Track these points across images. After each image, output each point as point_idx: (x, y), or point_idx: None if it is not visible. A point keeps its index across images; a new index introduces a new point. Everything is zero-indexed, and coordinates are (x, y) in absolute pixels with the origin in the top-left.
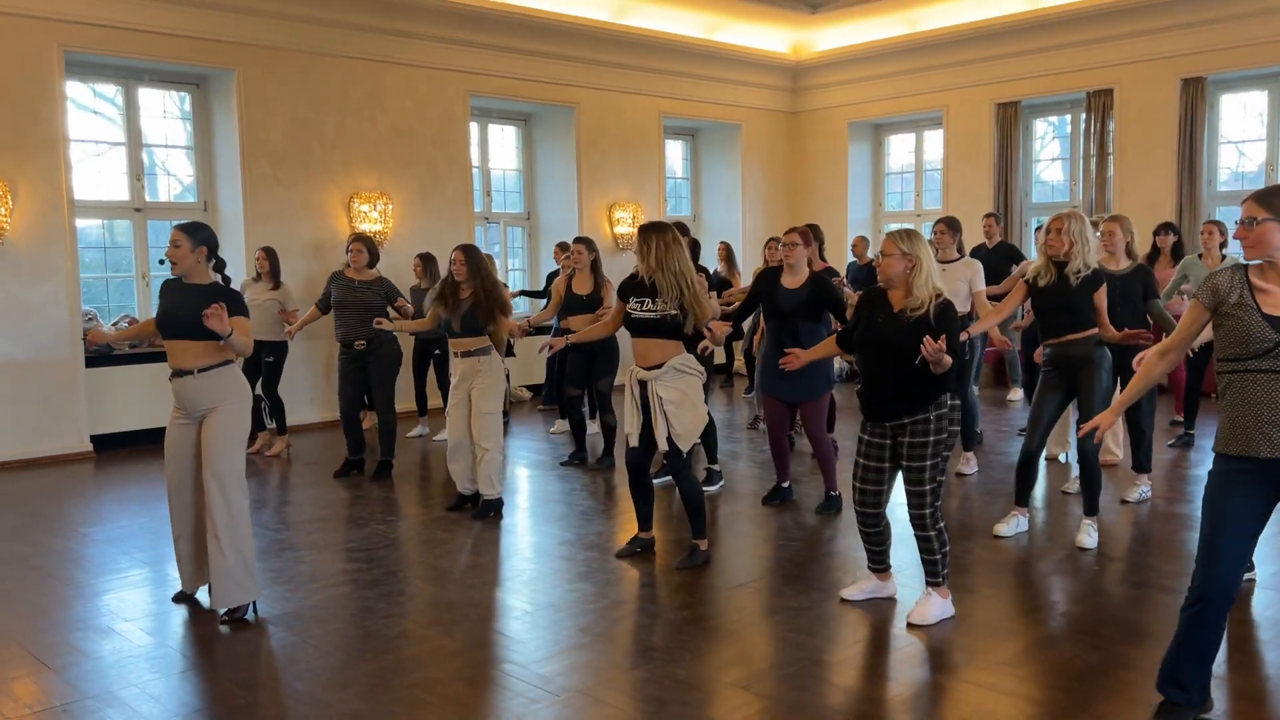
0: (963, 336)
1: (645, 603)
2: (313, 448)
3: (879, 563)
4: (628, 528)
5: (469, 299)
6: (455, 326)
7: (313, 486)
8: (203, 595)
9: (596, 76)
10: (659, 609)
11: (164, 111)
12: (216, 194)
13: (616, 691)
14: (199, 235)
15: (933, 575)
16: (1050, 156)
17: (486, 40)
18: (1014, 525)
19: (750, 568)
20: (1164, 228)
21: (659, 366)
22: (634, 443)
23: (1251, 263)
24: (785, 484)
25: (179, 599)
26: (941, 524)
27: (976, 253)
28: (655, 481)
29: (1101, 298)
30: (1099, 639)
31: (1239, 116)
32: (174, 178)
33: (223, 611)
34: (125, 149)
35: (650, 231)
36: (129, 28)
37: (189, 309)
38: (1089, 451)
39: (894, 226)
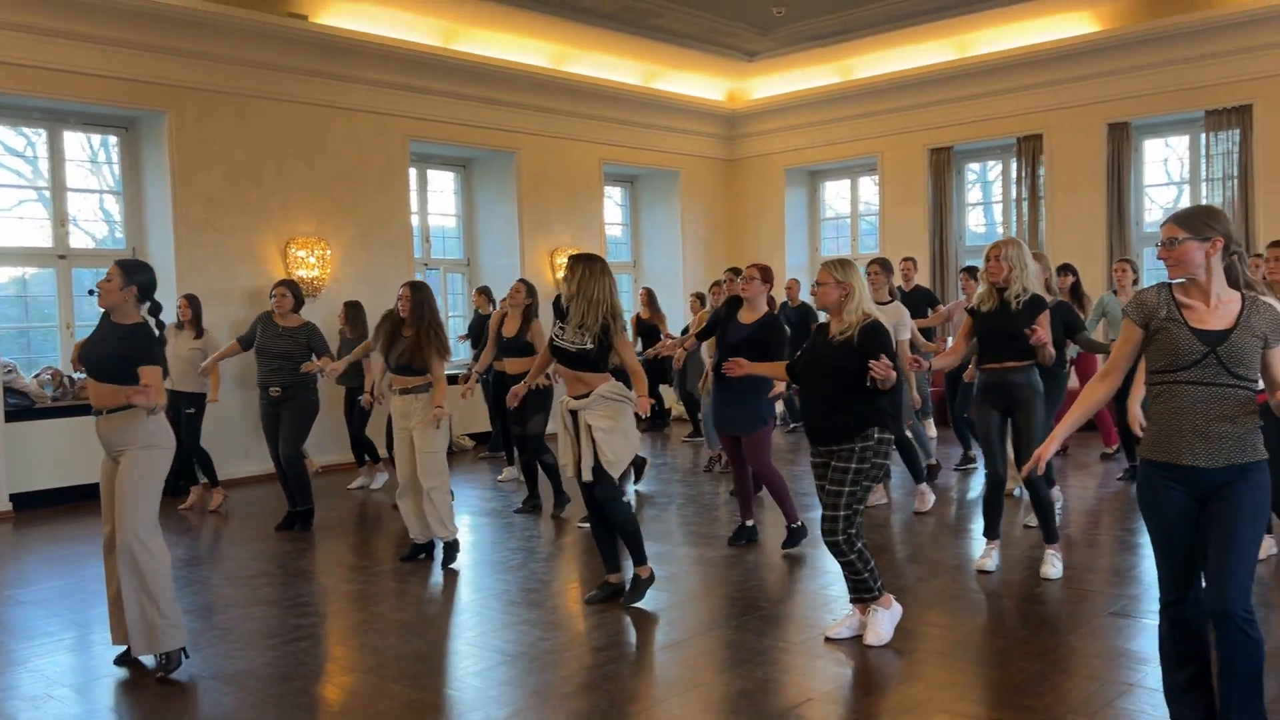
0: (916, 367)
1: (622, 648)
2: (251, 501)
3: (851, 590)
4: (587, 571)
5: (410, 338)
6: (391, 363)
7: (254, 541)
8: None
9: (537, 123)
10: (636, 655)
11: (90, 155)
12: (146, 239)
13: None
14: (134, 275)
15: (867, 593)
16: (983, 200)
17: (427, 85)
18: (995, 559)
19: (719, 610)
20: (1062, 268)
21: (584, 396)
22: (570, 473)
23: (1175, 281)
24: (749, 523)
25: (121, 660)
26: (859, 545)
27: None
28: (581, 525)
29: (1044, 322)
30: (1093, 669)
31: (1163, 159)
32: (100, 224)
33: (155, 668)
34: (49, 194)
35: (578, 260)
36: (55, 68)
37: (104, 349)
38: (1037, 482)
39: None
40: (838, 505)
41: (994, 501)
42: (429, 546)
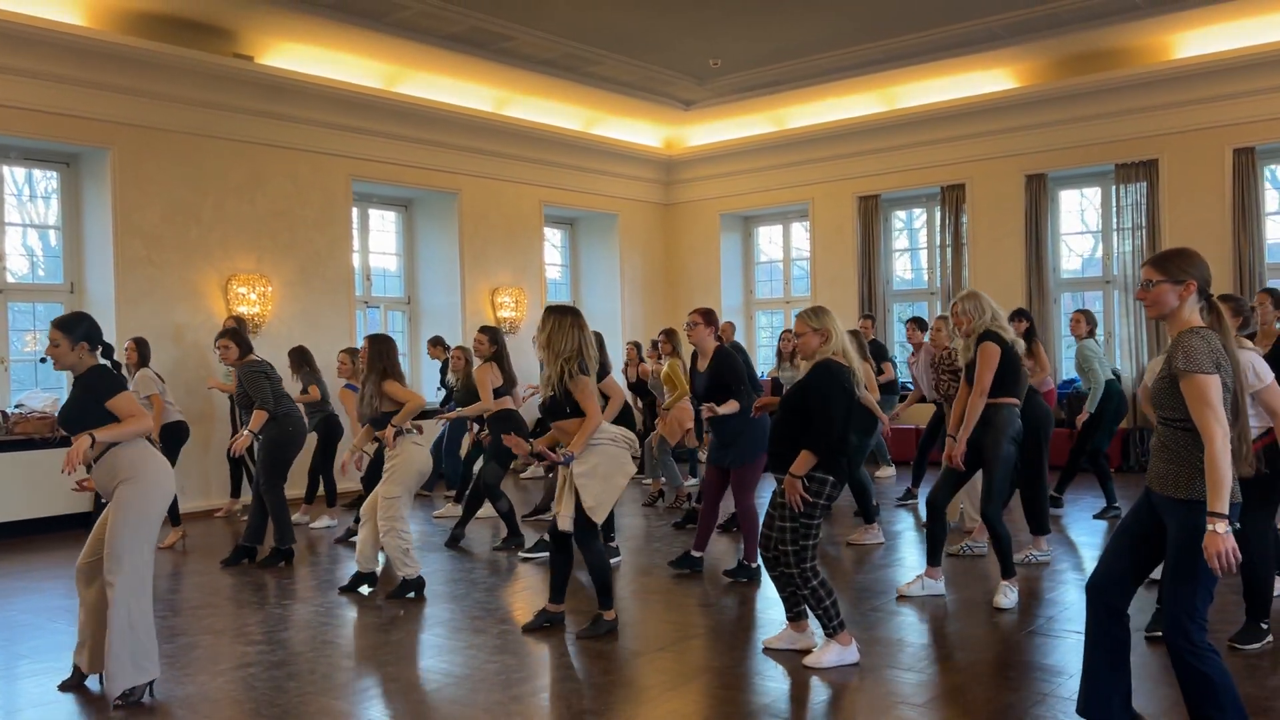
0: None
1: (568, 670)
2: (199, 535)
3: (789, 611)
4: (529, 600)
5: (369, 390)
6: (362, 412)
7: (201, 574)
8: (92, 681)
9: (478, 165)
10: (585, 675)
11: (31, 190)
12: (84, 275)
13: None
14: (77, 330)
15: (824, 626)
16: (910, 246)
17: (369, 126)
18: (925, 586)
19: (667, 632)
20: (1017, 314)
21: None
22: (559, 524)
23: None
24: (698, 554)
25: (67, 686)
26: (814, 581)
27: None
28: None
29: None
30: (1011, 682)
31: (1079, 209)
32: (37, 259)
33: (116, 696)
34: None
35: (549, 311)
36: None
37: (69, 404)
38: (993, 518)
39: (766, 313)
40: (785, 539)
41: (934, 529)
42: (371, 577)
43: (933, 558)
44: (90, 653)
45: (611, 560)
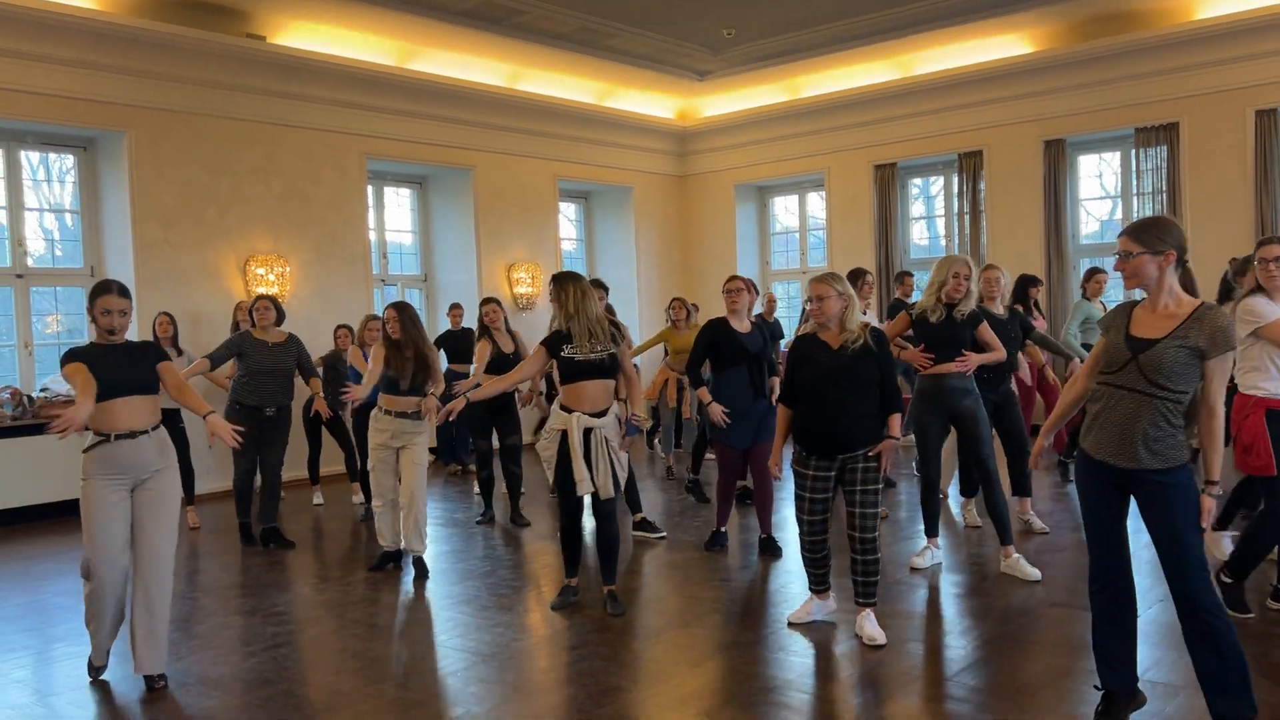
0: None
1: (594, 647)
2: (216, 516)
3: (823, 584)
4: (551, 576)
5: (413, 357)
6: (404, 386)
7: (223, 554)
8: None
9: (492, 140)
10: (610, 651)
11: (48, 174)
12: (104, 259)
13: None
14: (130, 297)
15: (873, 596)
16: (926, 214)
17: (382, 104)
18: (929, 557)
19: (687, 608)
20: (1034, 280)
21: (603, 413)
22: (586, 489)
23: (1140, 298)
24: (724, 529)
25: (96, 673)
26: (880, 549)
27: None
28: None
29: (985, 331)
30: (1035, 652)
31: (1097, 174)
32: (58, 242)
33: (155, 676)
34: (6, 213)
35: (565, 279)
36: (13, 89)
37: (135, 366)
38: (993, 489)
39: (783, 284)
40: (875, 502)
41: (930, 502)
42: (397, 555)
43: (930, 529)
44: (112, 641)
45: (659, 535)
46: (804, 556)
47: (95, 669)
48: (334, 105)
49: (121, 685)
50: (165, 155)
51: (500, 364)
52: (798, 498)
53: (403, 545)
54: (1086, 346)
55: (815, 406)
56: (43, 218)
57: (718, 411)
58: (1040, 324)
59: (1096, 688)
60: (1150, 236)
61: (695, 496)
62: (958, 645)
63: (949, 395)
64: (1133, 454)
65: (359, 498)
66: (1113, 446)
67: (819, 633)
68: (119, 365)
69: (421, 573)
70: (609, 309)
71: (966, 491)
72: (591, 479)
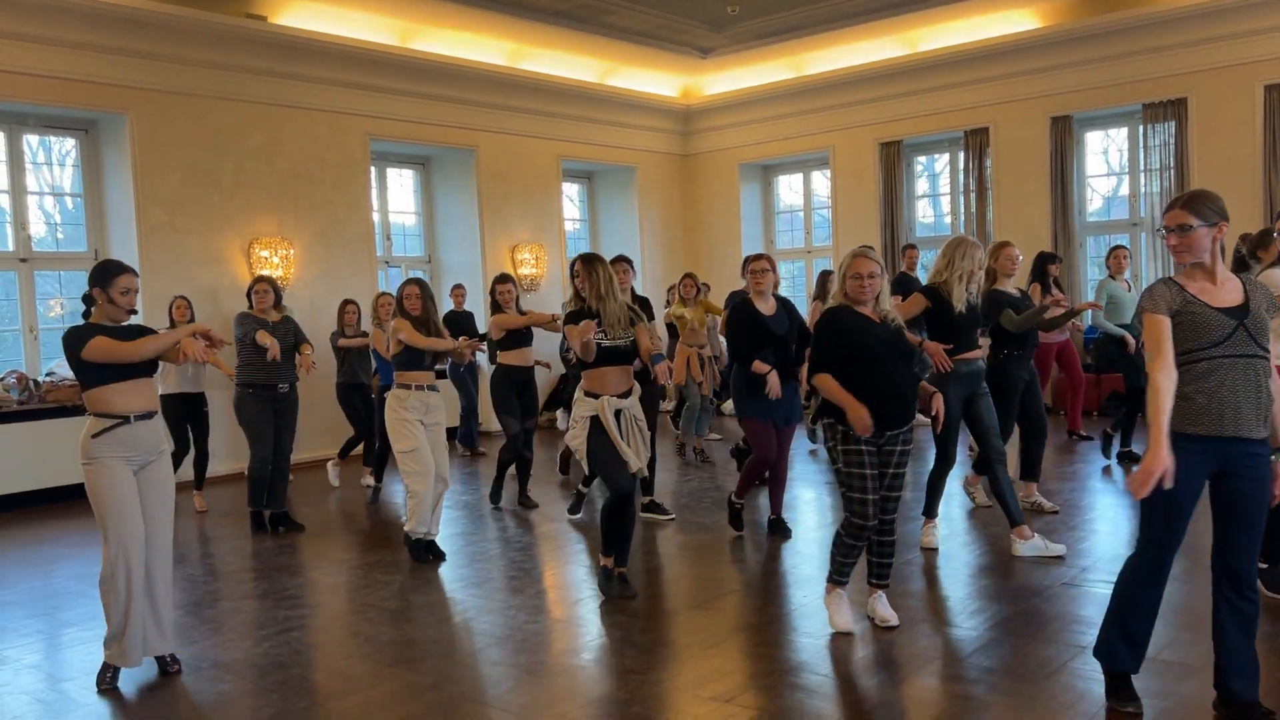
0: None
1: (609, 630)
2: (223, 499)
3: (883, 577)
4: (561, 558)
5: (434, 334)
6: (428, 359)
7: (233, 538)
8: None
9: (495, 120)
10: (626, 635)
11: (50, 158)
12: (108, 242)
13: (601, 714)
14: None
15: (887, 578)
16: (931, 192)
17: (384, 84)
18: (935, 529)
19: (702, 590)
20: (1053, 257)
21: (628, 394)
22: (636, 467)
23: (1176, 273)
24: (741, 503)
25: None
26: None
27: (903, 281)
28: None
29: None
30: (1048, 632)
31: (1104, 150)
32: (61, 231)
33: (168, 660)
34: (8, 197)
35: (595, 262)
36: (13, 71)
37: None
38: (997, 469)
39: (787, 263)
40: (904, 484)
41: (938, 484)
42: (433, 543)
43: (931, 509)
44: (146, 632)
45: (668, 518)
46: (851, 545)
47: (114, 674)
48: (336, 86)
49: (135, 670)
50: (167, 138)
51: (515, 338)
52: (856, 478)
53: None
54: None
55: (872, 381)
56: (43, 201)
57: (775, 382)
58: (1062, 299)
59: (1113, 671)
60: (1204, 208)
61: (656, 513)
62: (970, 626)
63: (972, 379)
64: (1258, 421)
65: (369, 480)
66: (1241, 417)
67: (819, 618)
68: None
69: (437, 555)
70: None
71: (980, 468)
72: None
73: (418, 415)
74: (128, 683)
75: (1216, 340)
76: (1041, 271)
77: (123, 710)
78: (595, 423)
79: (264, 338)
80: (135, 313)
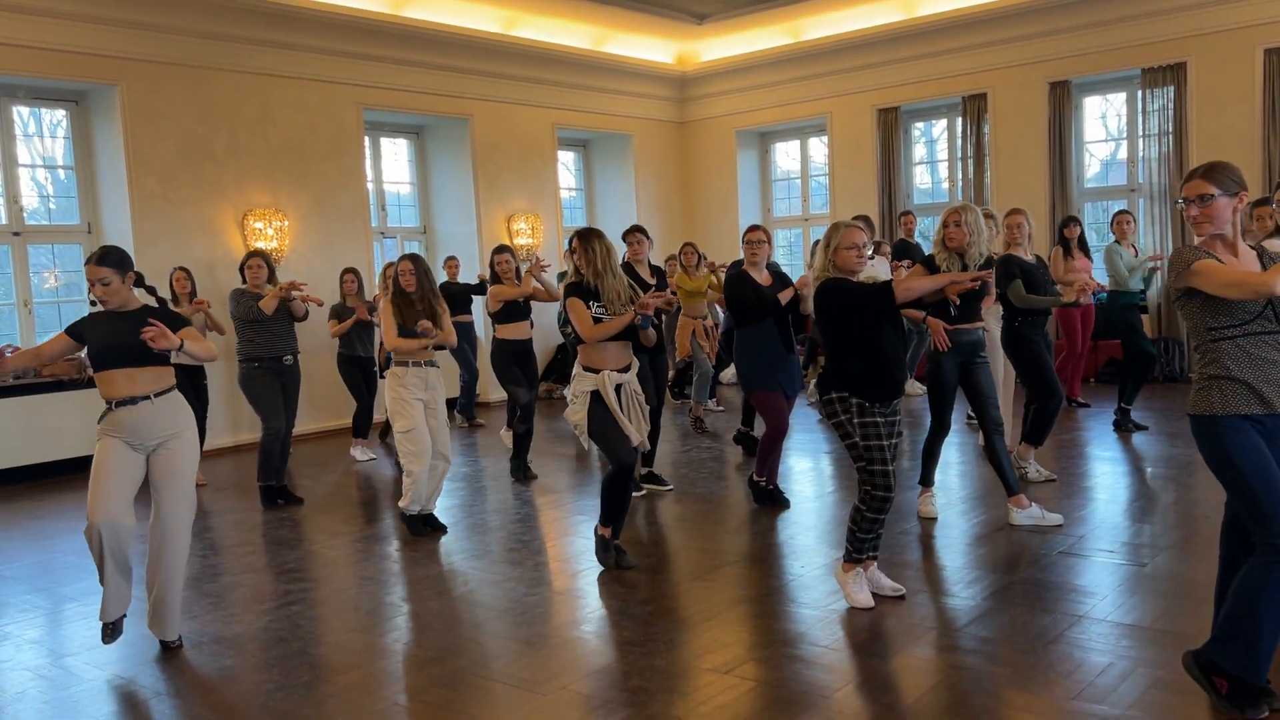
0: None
1: (608, 601)
2: (223, 472)
3: (877, 547)
4: (561, 531)
5: (423, 310)
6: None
7: (233, 511)
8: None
9: (489, 88)
10: (625, 606)
11: (39, 129)
12: (100, 215)
13: (601, 685)
14: (124, 265)
15: (878, 548)
16: (929, 159)
17: (377, 53)
18: (932, 499)
19: (700, 561)
20: (1071, 220)
21: (627, 369)
22: (638, 440)
23: (1198, 242)
24: (774, 485)
25: (109, 634)
26: None
27: (902, 247)
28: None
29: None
30: (1045, 601)
31: (1101, 114)
32: (53, 202)
33: (173, 640)
34: (0, 170)
35: (592, 237)
36: (2, 42)
37: (132, 338)
38: (996, 440)
39: (784, 231)
40: (901, 456)
41: (935, 451)
42: (432, 516)
43: (928, 478)
44: (122, 601)
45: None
46: (874, 520)
47: (105, 629)
48: (328, 55)
49: (137, 645)
50: (159, 109)
51: (512, 311)
52: (875, 449)
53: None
54: (1114, 296)
55: (878, 350)
56: (35, 174)
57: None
58: (1084, 264)
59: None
60: (1224, 178)
61: (745, 449)
62: (966, 596)
63: (970, 348)
64: None
65: (358, 452)
66: (1277, 394)
67: (829, 585)
68: (113, 336)
69: (437, 527)
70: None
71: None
72: None
73: (417, 392)
74: (130, 658)
75: (1245, 319)
76: (1059, 235)
77: (125, 685)
78: (596, 397)
79: (272, 298)
80: (104, 304)
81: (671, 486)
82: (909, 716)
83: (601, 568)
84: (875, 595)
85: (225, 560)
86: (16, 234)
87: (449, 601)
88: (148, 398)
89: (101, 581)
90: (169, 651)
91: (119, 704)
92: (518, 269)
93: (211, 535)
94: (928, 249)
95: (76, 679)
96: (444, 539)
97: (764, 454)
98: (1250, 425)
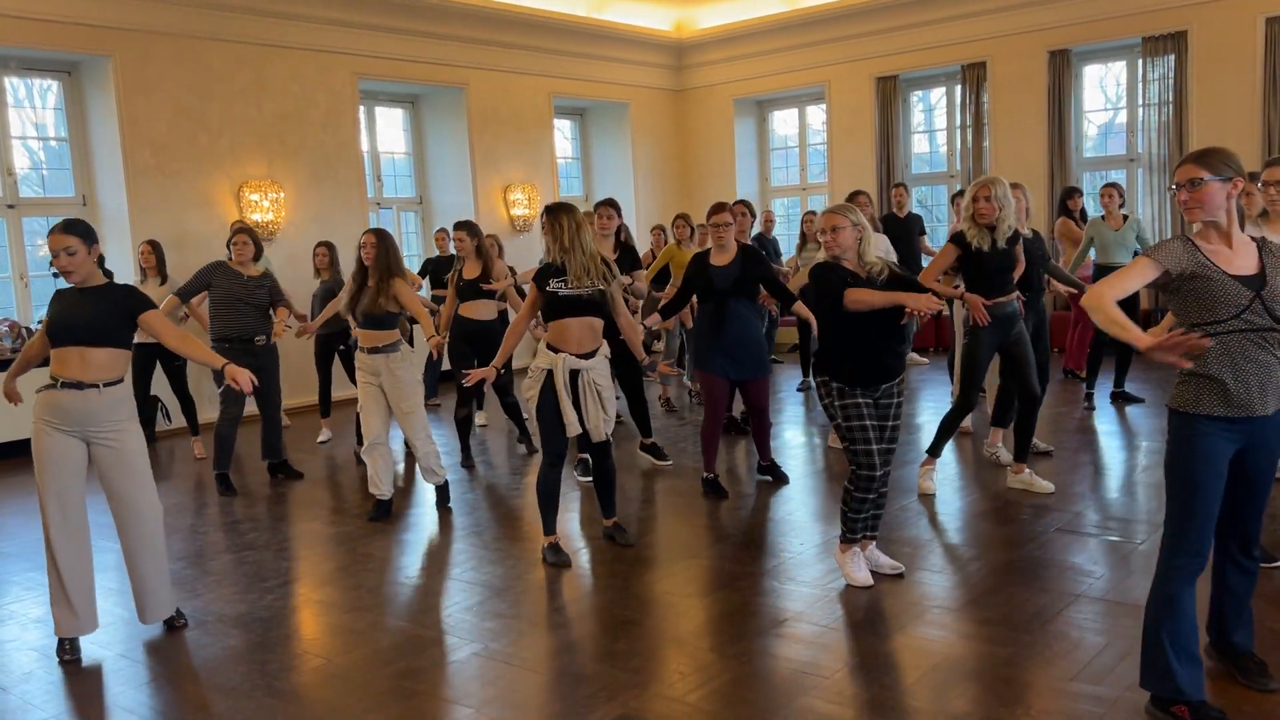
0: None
1: (604, 580)
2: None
3: (875, 527)
4: (558, 514)
5: (372, 288)
6: (358, 317)
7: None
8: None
9: (485, 57)
10: (621, 584)
11: (32, 99)
12: (95, 187)
13: (600, 664)
14: (90, 235)
15: (878, 527)
16: (927, 128)
17: (372, 21)
18: (933, 474)
19: (694, 540)
20: (1075, 192)
21: (592, 354)
22: (574, 431)
23: (1193, 230)
24: (714, 475)
25: (66, 650)
26: None
27: (889, 222)
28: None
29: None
30: (1043, 580)
31: (1100, 80)
32: (45, 172)
33: (174, 615)
34: None
35: (560, 212)
36: None
37: (91, 313)
38: (1039, 402)
39: (782, 200)
40: (899, 436)
41: (952, 427)
42: (389, 502)
43: (937, 449)
44: (88, 603)
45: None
46: (861, 499)
47: (61, 645)
48: (322, 24)
49: (143, 626)
50: (152, 79)
51: (475, 290)
52: (857, 429)
53: (391, 494)
54: (1101, 270)
55: (862, 335)
56: (27, 146)
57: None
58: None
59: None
60: (1217, 162)
61: (654, 456)
62: (965, 574)
63: (1006, 322)
64: (1277, 398)
65: (326, 434)
66: (1267, 397)
67: (826, 564)
68: (73, 310)
69: (442, 500)
70: (622, 230)
71: (1000, 421)
72: (581, 422)
73: (366, 375)
74: (136, 637)
75: (1232, 314)
76: (1063, 207)
77: (129, 665)
78: (550, 378)
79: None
80: (67, 274)
81: (671, 462)
82: (908, 697)
83: (602, 546)
84: (874, 573)
85: (226, 537)
86: (11, 206)
87: (448, 580)
88: (96, 387)
89: (50, 587)
90: (174, 630)
91: (126, 684)
92: (479, 247)
93: (210, 511)
94: (927, 219)
95: (81, 659)
96: (440, 517)
97: (706, 448)
98: (1219, 432)
